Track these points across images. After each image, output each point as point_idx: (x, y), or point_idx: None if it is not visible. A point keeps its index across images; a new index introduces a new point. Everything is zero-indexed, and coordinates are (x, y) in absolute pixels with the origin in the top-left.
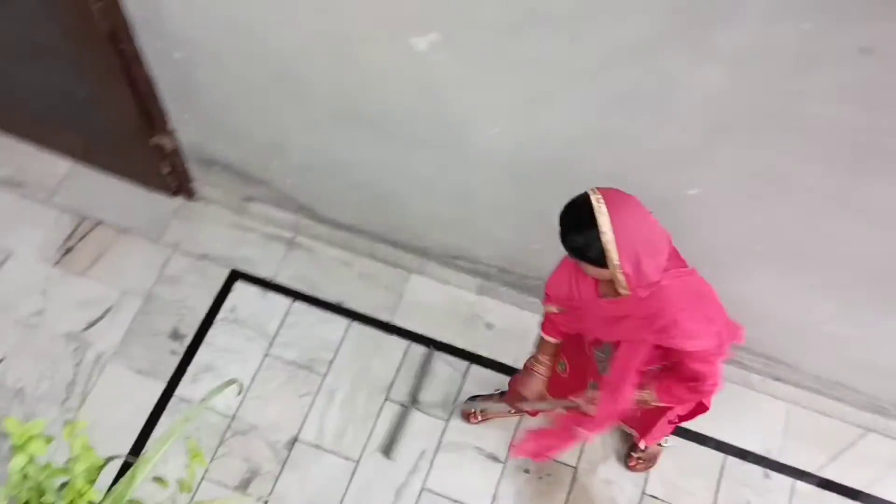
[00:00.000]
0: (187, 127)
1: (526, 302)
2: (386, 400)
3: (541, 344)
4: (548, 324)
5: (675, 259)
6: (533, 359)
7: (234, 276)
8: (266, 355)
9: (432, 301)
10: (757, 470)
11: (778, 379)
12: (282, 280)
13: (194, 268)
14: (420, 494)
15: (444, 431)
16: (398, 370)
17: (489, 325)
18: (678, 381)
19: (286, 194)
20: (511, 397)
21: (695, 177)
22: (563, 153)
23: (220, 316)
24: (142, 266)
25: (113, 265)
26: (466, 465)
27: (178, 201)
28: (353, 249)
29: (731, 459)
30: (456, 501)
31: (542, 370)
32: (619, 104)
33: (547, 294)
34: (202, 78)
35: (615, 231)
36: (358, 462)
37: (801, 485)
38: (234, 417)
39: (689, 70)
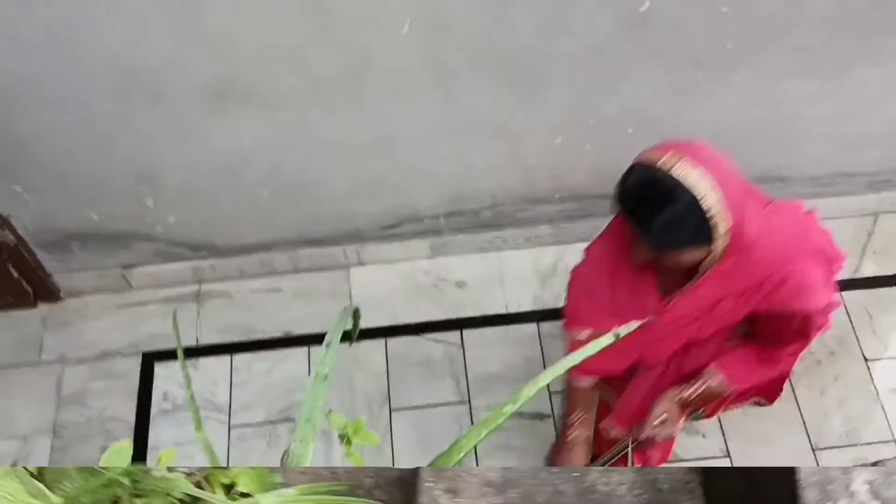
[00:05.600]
0: (21, 205)
1: (486, 241)
2: (391, 412)
3: (571, 395)
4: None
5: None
6: (564, 421)
7: (149, 360)
8: (230, 429)
9: (386, 286)
10: None
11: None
12: (207, 339)
13: (97, 372)
14: None
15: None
16: (388, 374)
17: (460, 284)
18: (755, 354)
19: (173, 239)
20: None
21: None
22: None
23: (154, 411)
24: (33, 399)
25: None
26: None
27: (43, 309)
28: (273, 271)
29: None
30: None
31: (581, 434)
32: None
33: (574, 315)
34: (20, 127)
35: (721, 186)
36: None
37: None
38: None
39: None
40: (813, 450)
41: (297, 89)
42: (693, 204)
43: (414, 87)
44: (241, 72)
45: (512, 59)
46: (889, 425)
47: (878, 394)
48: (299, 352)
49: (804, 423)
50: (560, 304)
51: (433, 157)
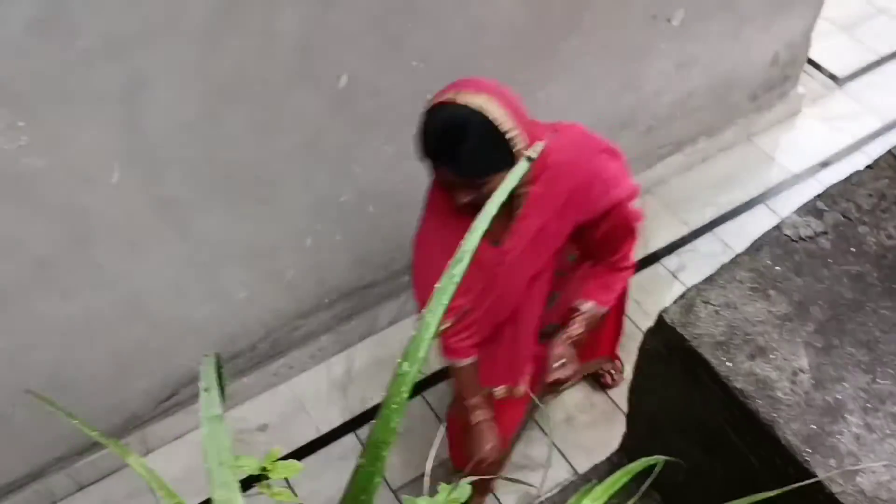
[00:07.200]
0: None
1: (272, 375)
2: None
3: (458, 375)
4: (450, 346)
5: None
6: (459, 405)
7: None
8: None
9: (185, 463)
10: None
11: None
12: None
13: None
14: None
15: None
16: None
17: (262, 428)
18: (603, 270)
19: None
20: (471, 467)
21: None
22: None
23: None
24: None
25: None
26: None
27: None
28: (54, 499)
29: None
30: None
31: (483, 413)
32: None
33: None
34: None
35: (507, 107)
36: None
37: None
38: None
39: None
40: None
41: (17, 277)
42: (486, 124)
43: (145, 235)
44: None
45: (237, 170)
46: None
47: None
48: None
49: None
50: (368, 404)
51: (190, 304)
